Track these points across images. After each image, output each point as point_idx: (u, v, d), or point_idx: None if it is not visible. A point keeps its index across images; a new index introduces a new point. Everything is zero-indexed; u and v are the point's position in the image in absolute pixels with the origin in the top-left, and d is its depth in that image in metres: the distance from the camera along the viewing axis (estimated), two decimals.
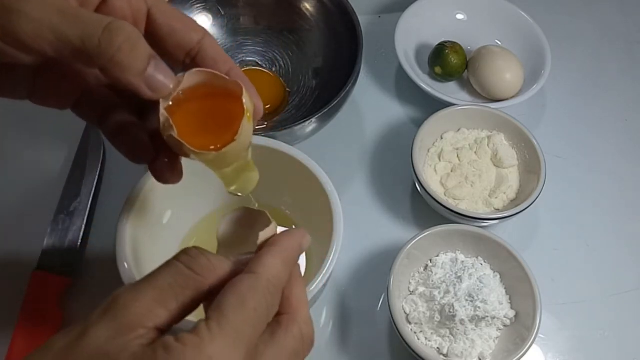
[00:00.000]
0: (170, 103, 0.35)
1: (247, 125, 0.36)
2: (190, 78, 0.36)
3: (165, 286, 0.30)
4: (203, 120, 0.37)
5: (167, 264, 0.31)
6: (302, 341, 0.32)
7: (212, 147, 0.36)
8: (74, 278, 0.59)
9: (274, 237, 0.35)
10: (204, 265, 0.32)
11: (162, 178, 0.40)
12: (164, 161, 0.39)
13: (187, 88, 0.36)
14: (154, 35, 0.37)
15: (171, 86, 0.35)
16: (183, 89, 0.36)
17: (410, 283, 0.59)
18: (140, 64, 0.33)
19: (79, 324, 0.29)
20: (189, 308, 0.31)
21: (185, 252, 0.32)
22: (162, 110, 0.35)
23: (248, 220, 0.41)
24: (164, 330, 0.29)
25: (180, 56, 0.38)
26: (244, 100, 0.36)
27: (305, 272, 0.56)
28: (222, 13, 0.73)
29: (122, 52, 0.32)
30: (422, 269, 0.59)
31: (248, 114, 0.36)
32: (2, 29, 0.31)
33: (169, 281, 0.30)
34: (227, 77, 0.37)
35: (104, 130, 0.41)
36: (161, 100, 0.35)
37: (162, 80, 0.34)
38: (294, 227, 0.59)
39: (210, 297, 0.31)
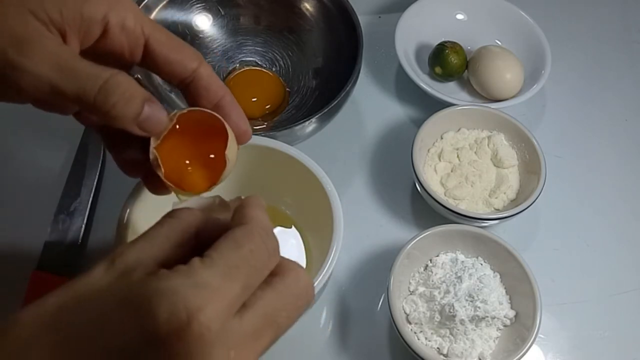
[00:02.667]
0: (160, 141, 0.37)
1: (229, 168, 0.39)
2: (182, 116, 0.38)
3: (154, 232, 0.32)
4: (191, 154, 0.39)
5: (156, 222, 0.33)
6: (302, 287, 0.32)
7: (191, 189, 0.39)
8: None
9: (245, 200, 0.35)
10: (184, 210, 0.34)
11: (154, 191, 0.42)
12: (156, 178, 0.40)
13: (178, 125, 0.38)
14: (150, 64, 0.39)
15: (163, 125, 0.37)
16: (174, 125, 0.38)
17: (410, 283, 0.59)
18: (134, 113, 0.35)
19: (77, 276, 0.30)
20: (183, 246, 0.32)
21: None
22: (151, 149, 0.37)
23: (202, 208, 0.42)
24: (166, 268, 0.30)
25: (174, 82, 0.40)
26: (228, 145, 0.38)
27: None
28: (222, 13, 0.73)
29: (116, 108, 0.34)
30: (422, 269, 0.59)
31: (229, 158, 0.38)
32: (6, 81, 0.34)
33: (157, 228, 0.32)
34: (213, 113, 0.39)
35: (103, 138, 0.42)
36: (152, 138, 0.37)
37: (154, 123, 0.36)
38: (293, 227, 0.59)
39: (202, 244, 0.32)
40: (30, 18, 0.34)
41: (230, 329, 0.28)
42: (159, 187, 0.42)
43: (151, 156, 0.37)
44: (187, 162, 0.39)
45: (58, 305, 0.28)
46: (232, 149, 0.39)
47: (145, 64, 0.39)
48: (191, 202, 0.38)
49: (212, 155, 0.40)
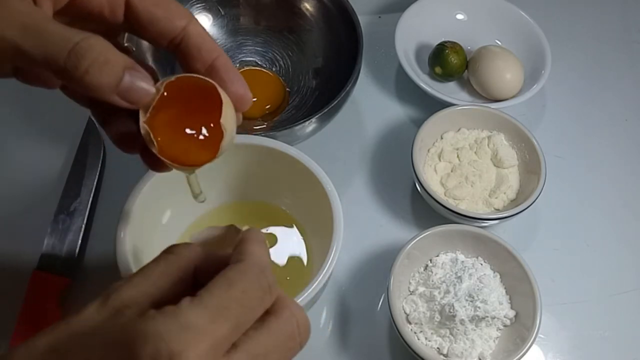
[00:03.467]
0: (149, 114, 0.34)
1: (228, 138, 0.36)
2: (170, 84, 0.35)
3: (152, 269, 0.31)
4: (185, 126, 0.36)
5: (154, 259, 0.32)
6: (297, 325, 0.31)
7: (192, 163, 0.36)
8: (74, 278, 0.59)
9: (243, 235, 0.34)
10: (182, 245, 0.33)
11: (154, 168, 0.40)
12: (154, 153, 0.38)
13: (167, 93, 0.35)
14: (133, 24, 0.36)
15: (150, 95, 0.34)
16: (163, 94, 0.35)
17: (410, 283, 0.59)
18: (111, 81, 0.32)
19: (72, 313, 0.29)
20: (180, 284, 0.31)
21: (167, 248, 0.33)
22: (142, 123, 0.34)
23: (217, 238, 0.40)
24: (160, 307, 0.29)
25: (162, 44, 0.37)
26: (223, 113, 0.35)
27: (305, 273, 0.56)
28: (222, 13, 0.73)
29: (90, 74, 0.31)
30: (422, 269, 0.59)
31: (226, 127, 0.35)
32: None
33: (153, 265, 0.31)
34: (205, 79, 0.36)
35: (93, 113, 0.40)
36: (141, 111, 0.34)
37: (138, 92, 0.33)
38: (294, 226, 0.59)
39: (201, 281, 0.31)
40: None
41: None
42: (158, 164, 0.39)
43: (142, 131, 0.34)
44: (183, 134, 0.36)
45: (49, 345, 0.28)
46: (228, 117, 0.36)
47: (129, 25, 0.36)
48: (205, 232, 0.37)
49: (210, 125, 0.36)
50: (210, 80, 0.36)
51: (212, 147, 0.36)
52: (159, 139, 0.35)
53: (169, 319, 0.27)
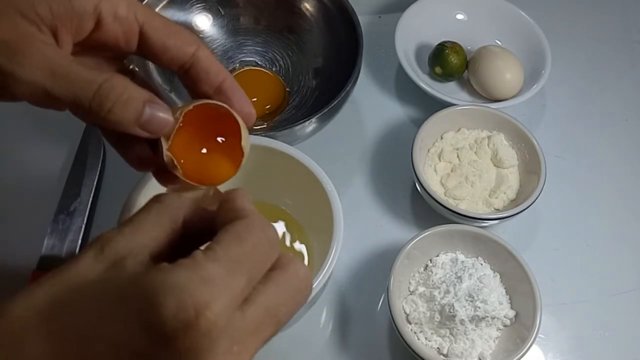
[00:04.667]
0: (171, 142, 0.36)
1: (246, 156, 0.38)
2: (189, 112, 0.37)
3: (142, 219, 0.31)
4: (205, 149, 0.38)
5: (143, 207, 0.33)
6: (302, 281, 0.32)
7: (214, 182, 0.38)
8: None
9: (231, 193, 0.35)
10: (170, 195, 0.33)
11: (165, 184, 0.41)
12: (167, 171, 0.39)
13: (185, 120, 0.37)
14: (147, 52, 0.38)
15: (169, 125, 0.36)
16: (182, 122, 0.37)
17: (410, 283, 0.59)
18: (133, 116, 0.34)
19: (64, 265, 0.29)
20: (172, 234, 0.31)
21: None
22: (165, 152, 0.36)
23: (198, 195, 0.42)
24: (158, 259, 0.30)
25: (173, 69, 0.39)
26: (242, 135, 0.37)
27: None
28: (222, 13, 0.73)
29: (113, 112, 0.33)
30: (422, 269, 0.59)
31: (245, 148, 0.38)
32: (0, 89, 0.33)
33: (144, 214, 0.32)
34: (219, 104, 0.38)
35: (105, 136, 0.42)
36: (162, 139, 0.36)
37: (158, 123, 0.35)
38: (293, 226, 0.59)
39: (188, 232, 0.32)
40: (19, 19, 0.33)
41: (234, 323, 0.28)
42: (170, 180, 0.40)
43: (165, 159, 0.36)
44: (203, 157, 0.38)
45: (51, 296, 0.28)
46: (245, 138, 0.38)
47: (142, 52, 0.38)
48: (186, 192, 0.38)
49: (224, 143, 0.38)
50: (225, 105, 0.38)
51: (232, 166, 0.38)
52: (182, 162, 0.37)
53: (188, 271, 0.27)
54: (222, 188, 0.38)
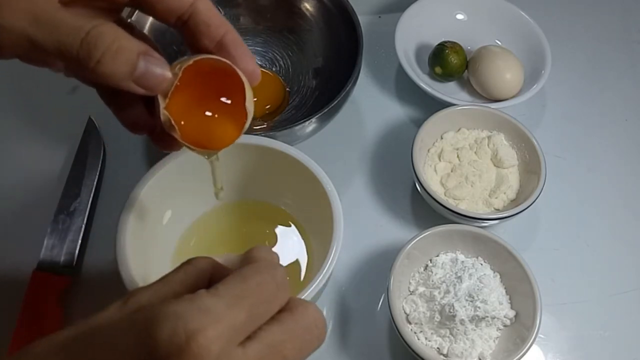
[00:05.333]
0: (168, 100, 0.34)
1: (249, 119, 0.36)
2: (188, 68, 0.34)
3: (170, 276, 0.31)
4: (206, 109, 0.36)
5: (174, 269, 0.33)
6: (311, 320, 0.31)
7: (215, 146, 0.36)
8: (74, 278, 0.59)
9: (253, 247, 0.35)
10: (200, 258, 0.33)
11: (164, 148, 0.39)
12: (165, 134, 0.37)
13: (185, 77, 0.34)
14: (142, 2, 0.35)
15: (167, 80, 0.33)
16: (180, 78, 0.34)
17: (410, 283, 0.59)
18: (125, 69, 0.32)
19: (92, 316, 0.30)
20: (195, 290, 0.31)
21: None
22: (162, 110, 0.34)
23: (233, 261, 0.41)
24: None
25: (171, 21, 0.36)
26: (246, 96, 0.35)
27: (306, 272, 0.56)
28: (222, 13, 0.73)
29: (103, 63, 0.31)
30: (422, 269, 0.59)
31: (249, 109, 0.35)
32: None
33: (173, 274, 0.32)
34: (223, 60, 0.35)
35: (101, 96, 0.39)
36: (159, 97, 0.34)
37: (155, 78, 0.33)
38: (293, 226, 0.59)
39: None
40: None
41: (233, 356, 0.28)
42: (169, 144, 0.38)
43: (162, 117, 0.34)
44: (204, 118, 0.36)
45: (70, 336, 0.29)
46: (249, 98, 0.36)
47: (136, 1, 0.35)
48: (224, 256, 0.37)
49: (235, 108, 0.36)
50: (229, 62, 0.35)
51: (235, 129, 0.36)
52: (181, 123, 0.34)
53: (186, 302, 0.28)
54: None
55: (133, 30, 0.39)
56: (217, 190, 0.45)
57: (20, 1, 0.31)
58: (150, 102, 0.35)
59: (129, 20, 0.40)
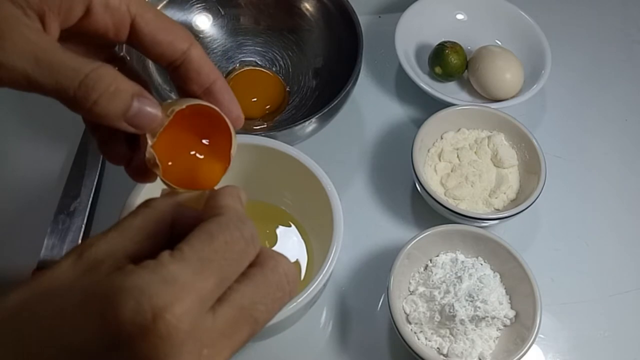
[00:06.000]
0: (156, 139, 0.35)
1: (230, 166, 0.37)
2: (180, 111, 0.35)
3: (127, 223, 0.30)
4: (191, 152, 0.37)
5: (131, 212, 0.32)
6: (284, 274, 0.30)
7: (194, 187, 0.36)
8: None
9: (217, 190, 0.34)
10: (159, 199, 0.32)
11: (138, 179, 0.39)
12: (141, 167, 0.38)
13: (173, 119, 0.35)
14: (137, 44, 0.36)
15: (157, 121, 0.34)
16: (169, 120, 0.35)
17: (410, 283, 0.59)
18: (121, 109, 0.32)
19: (45, 270, 0.28)
20: (156, 237, 0.30)
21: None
22: (149, 148, 0.35)
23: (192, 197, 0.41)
24: (138, 262, 0.28)
25: (162, 64, 0.37)
26: (232, 142, 0.36)
27: (306, 272, 0.56)
28: (222, 13, 0.73)
29: (99, 105, 0.32)
30: (422, 269, 0.59)
31: (232, 154, 0.36)
32: None
33: (130, 219, 0.31)
34: (212, 107, 0.36)
35: (85, 123, 0.40)
36: (148, 135, 0.35)
37: (146, 118, 0.33)
38: (293, 226, 0.59)
39: (176, 236, 0.30)
40: (4, 1, 0.32)
41: (203, 326, 0.26)
42: (144, 177, 0.38)
43: (147, 156, 0.35)
44: (188, 160, 0.37)
45: (20, 301, 0.27)
46: (234, 145, 0.37)
47: (132, 43, 0.36)
48: (181, 196, 0.37)
49: (211, 147, 0.37)
50: (216, 109, 0.36)
51: (216, 174, 0.37)
52: (168, 163, 0.35)
53: (149, 272, 0.26)
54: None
55: (124, 64, 0.40)
56: None
57: (23, 41, 0.31)
58: (130, 137, 0.37)
59: (121, 54, 0.40)
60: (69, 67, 0.31)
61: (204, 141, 0.37)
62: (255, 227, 0.31)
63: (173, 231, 0.31)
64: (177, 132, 0.36)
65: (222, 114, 0.36)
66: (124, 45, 0.40)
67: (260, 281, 0.29)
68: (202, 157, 0.37)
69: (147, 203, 0.32)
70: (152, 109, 0.33)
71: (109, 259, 0.28)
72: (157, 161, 0.35)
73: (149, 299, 0.25)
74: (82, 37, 0.36)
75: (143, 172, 0.38)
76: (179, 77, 0.37)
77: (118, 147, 0.38)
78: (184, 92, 0.38)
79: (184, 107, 0.35)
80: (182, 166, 0.37)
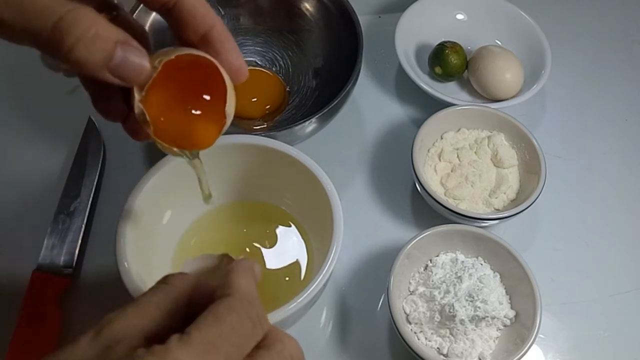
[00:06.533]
0: (144, 92, 0.32)
1: (228, 124, 0.34)
2: (168, 62, 0.33)
3: (146, 300, 0.30)
4: (184, 108, 0.34)
5: (149, 289, 0.32)
6: (290, 356, 0.30)
7: (188, 147, 0.35)
8: (74, 278, 0.59)
9: (231, 266, 0.34)
10: (177, 276, 0.32)
11: (136, 137, 0.38)
12: (138, 123, 0.35)
13: (164, 71, 0.32)
14: None
15: (145, 72, 0.31)
16: (160, 72, 0.32)
17: (410, 283, 0.59)
18: (101, 57, 0.29)
19: (64, 345, 0.28)
20: (173, 316, 0.30)
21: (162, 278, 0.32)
22: (136, 103, 0.32)
23: (211, 267, 0.39)
24: (153, 341, 0.29)
25: (154, 7, 0.34)
26: (227, 98, 0.33)
27: (305, 272, 0.56)
28: (222, 13, 0.73)
29: (77, 51, 0.29)
30: (422, 269, 0.59)
31: (229, 113, 0.34)
32: None
33: (148, 296, 0.30)
34: (206, 57, 0.33)
35: (80, 79, 0.38)
36: (135, 88, 0.32)
37: (132, 69, 0.30)
38: (293, 226, 0.59)
39: (192, 312, 0.30)
40: None
41: None
42: (141, 134, 0.36)
43: (136, 110, 0.32)
44: (180, 116, 0.34)
45: None
46: (230, 101, 0.34)
47: None
48: (198, 261, 0.36)
49: (213, 111, 0.34)
50: (211, 59, 0.33)
51: (212, 133, 0.35)
52: (160, 119, 0.33)
53: (157, 357, 0.26)
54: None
55: (118, 12, 0.37)
56: (205, 196, 0.43)
57: None
58: (127, 90, 0.34)
59: (115, 2, 0.37)
60: (41, 5, 0.29)
61: (201, 96, 0.34)
62: (263, 309, 0.31)
63: (189, 307, 0.31)
64: (169, 85, 0.33)
65: (218, 64, 0.33)
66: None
67: None
68: (198, 113, 0.34)
69: (166, 279, 0.32)
70: (138, 59, 0.31)
71: (126, 339, 0.28)
72: (148, 118, 0.32)
73: None
74: None
75: (140, 130, 0.35)
76: (174, 22, 0.34)
77: (113, 101, 0.36)
78: (181, 41, 0.35)
79: (172, 57, 0.32)
80: (176, 123, 0.34)
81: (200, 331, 0.28)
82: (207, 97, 0.34)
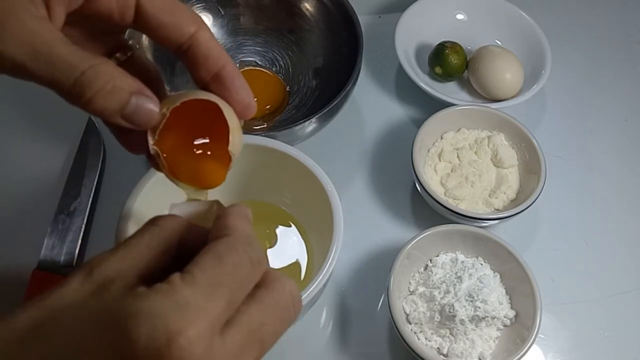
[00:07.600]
0: (157, 136, 0.35)
1: (234, 161, 0.37)
2: (177, 105, 0.35)
3: (135, 241, 0.30)
4: (193, 150, 0.37)
5: (138, 230, 0.32)
6: (288, 298, 0.30)
7: (201, 185, 0.37)
8: None
9: (225, 209, 0.34)
10: (167, 217, 0.32)
11: (158, 168, 0.39)
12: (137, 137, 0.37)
13: (174, 115, 0.35)
14: (143, 27, 0.36)
15: (155, 118, 0.34)
16: (170, 115, 0.35)
17: (410, 283, 0.59)
18: (116, 107, 0.32)
19: (53, 288, 0.28)
20: (164, 257, 0.30)
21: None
22: (150, 146, 0.35)
23: (200, 213, 0.40)
24: (146, 281, 0.29)
25: (170, 49, 0.36)
26: (230, 138, 0.36)
27: (306, 272, 0.56)
28: (222, 13, 0.73)
29: (95, 101, 0.31)
30: (422, 269, 0.59)
31: (233, 152, 0.36)
32: None
33: (138, 237, 0.31)
34: (211, 100, 0.36)
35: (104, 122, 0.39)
36: (149, 132, 0.35)
37: (143, 116, 0.33)
38: (293, 226, 0.59)
39: (183, 254, 0.31)
40: None
41: (214, 349, 0.27)
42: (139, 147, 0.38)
43: (151, 151, 0.35)
44: (191, 158, 0.36)
45: (30, 323, 0.27)
46: (236, 142, 0.36)
47: (138, 26, 0.36)
48: (187, 206, 0.36)
49: (218, 152, 0.37)
50: (215, 102, 0.36)
51: (220, 172, 0.37)
52: (174, 160, 0.35)
53: (163, 297, 0.26)
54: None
55: (133, 53, 0.39)
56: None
57: (24, 31, 0.31)
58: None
59: (129, 42, 0.40)
60: (66, 62, 0.31)
61: (206, 137, 0.37)
62: (262, 250, 0.31)
63: (180, 249, 0.31)
64: (178, 129, 0.35)
65: (221, 105, 0.36)
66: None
67: (266, 302, 0.30)
68: (208, 153, 0.37)
69: (155, 221, 0.32)
70: (149, 105, 0.33)
71: (119, 278, 0.28)
72: (162, 159, 0.35)
73: (163, 323, 0.25)
74: (87, 21, 0.35)
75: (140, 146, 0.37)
76: (188, 63, 0.37)
77: (135, 135, 0.37)
78: (195, 79, 0.37)
79: (178, 104, 0.35)
80: (188, 163, 0.36)
81: (203, 271, 0.28)
82: (209, 140, 0.37)
